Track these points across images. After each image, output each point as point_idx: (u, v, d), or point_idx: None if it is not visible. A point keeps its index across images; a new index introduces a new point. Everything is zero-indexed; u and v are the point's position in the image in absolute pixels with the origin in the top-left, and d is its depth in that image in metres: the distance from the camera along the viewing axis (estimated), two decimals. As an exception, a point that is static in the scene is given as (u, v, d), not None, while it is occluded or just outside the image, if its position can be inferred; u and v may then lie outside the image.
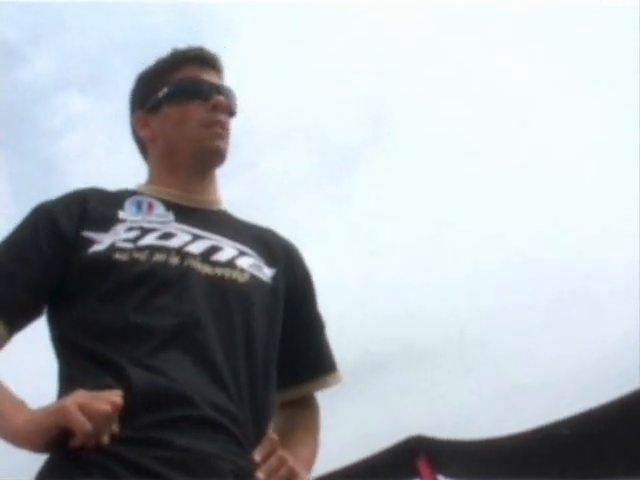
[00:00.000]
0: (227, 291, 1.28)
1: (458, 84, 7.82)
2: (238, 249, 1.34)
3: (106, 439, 1.07)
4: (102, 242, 1.27)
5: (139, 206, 1.37)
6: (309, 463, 1.31)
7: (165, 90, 1.43)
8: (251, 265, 1.33)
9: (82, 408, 1.05)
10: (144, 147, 1.49)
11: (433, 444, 4.81)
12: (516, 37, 7.63)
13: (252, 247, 1.37)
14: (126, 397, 1.08)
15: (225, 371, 1.20)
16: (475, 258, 7.36)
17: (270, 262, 1.38)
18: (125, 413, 1.08)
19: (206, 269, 1.28)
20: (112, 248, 1.26)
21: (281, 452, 1.16)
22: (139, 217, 1.34)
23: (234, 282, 1.29)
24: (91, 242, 1.27)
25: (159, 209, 1.37)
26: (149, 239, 1.29)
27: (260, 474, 1.12)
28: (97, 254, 1.25)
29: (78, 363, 1.20)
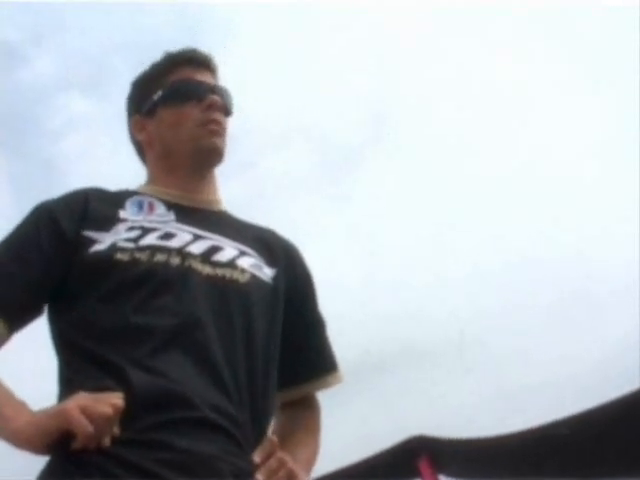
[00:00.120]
0: (228, 291, 1.27)
1: (458, 84, 7.83)
2: (239, 249, 1.34)
3: (107, 441, 1.07)
4: (103, 242, 1.27)
5: (140, 206, 1.37)
6: (309, 464, 1.31)
7: (160, 93, 1.43)
8: (252, 265, 1.33)
9: (84, 410, 1.05)
10: (142, 151, 1.50)
11: (434, 444, 4.81)
12: (516, 37, 7.65)
13: (252, 247, 1.37)
14: (127, 399, 1.08)
15: (225, 372, 1.19)
16: (475, 258, 7.36)
17: (270, 262, 1.38)
18: (126, 415, 1.08)
19: (207, 269, 1.28)
20: (113, 248, 1.25)
21: (280, 453, 1.16)
22: (140, 217, 1.33)
23: (235, 282, 1.29)
24: (92, 241, 1.27)
25: (160, 209, 1.37)
26: (150, 239, 1.28)
27: (259, 475, 1.12)
28: (98, 254, 1.25)
29: (78, 364, 1.20)
